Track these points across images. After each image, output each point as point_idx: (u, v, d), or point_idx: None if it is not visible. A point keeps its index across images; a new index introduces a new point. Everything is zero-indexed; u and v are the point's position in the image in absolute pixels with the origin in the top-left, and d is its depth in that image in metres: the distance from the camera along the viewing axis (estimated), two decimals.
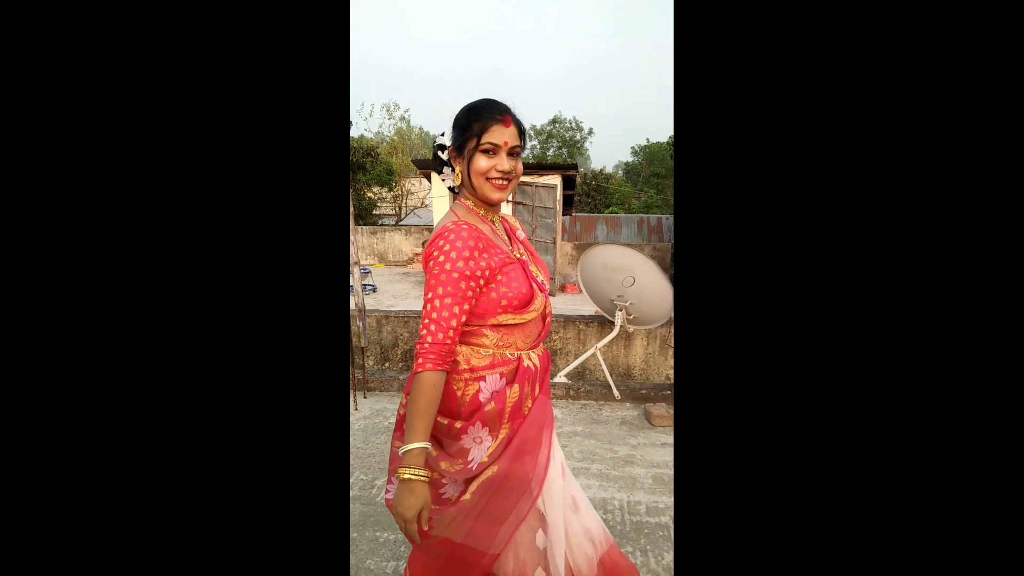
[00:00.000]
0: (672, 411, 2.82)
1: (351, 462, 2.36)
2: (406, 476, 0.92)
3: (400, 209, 17.65)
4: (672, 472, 2.31)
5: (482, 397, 1.03)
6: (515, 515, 1.04)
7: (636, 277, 2.99)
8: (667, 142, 14.51)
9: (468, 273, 0.95)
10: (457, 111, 1.03)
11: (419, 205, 17.81)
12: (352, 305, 2.99)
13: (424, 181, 13.17)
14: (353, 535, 1.81)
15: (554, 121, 30.92)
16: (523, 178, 7.64)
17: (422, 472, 0.93)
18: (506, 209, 8.36)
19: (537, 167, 9.28)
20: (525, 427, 1.06)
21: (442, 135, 1.06)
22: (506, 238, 1.12)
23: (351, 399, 2.99)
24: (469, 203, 1.07)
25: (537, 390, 1.10)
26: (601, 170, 24.27)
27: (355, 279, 2.99)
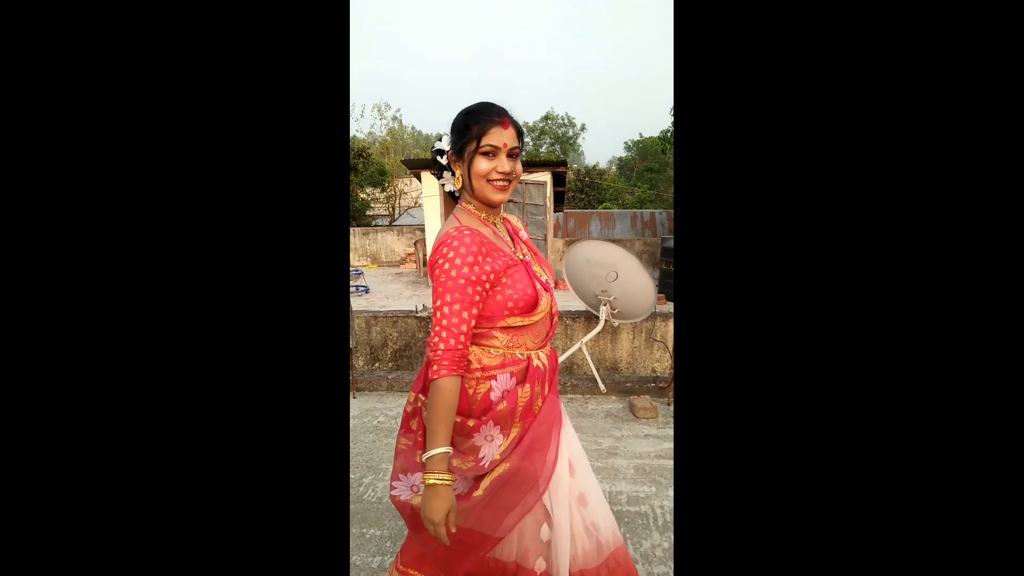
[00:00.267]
0: (655, 403, 2.86)
1: None
2: (431, 481, 0.94)
3: (394, 209, 17.63)
4: (653, 463, 2.35)
5: (493, 396, 1.05)
6: (522, 506, 1.07)
7: (619, 272, 3.03)
8: (659, 136, 14.52)
9: (474, 278, 0.96)
10: (455, 115, 1.04)
11: (412, 205, 17.80)
12: None
13: (415, 181, 13.18)
14: None
15: (546, 118, 30.90)
16: None
17: (446, 476, 0.95)
18: None
19: (526, 164, 9.29)
20: (536, 425, 1.08)
21: (440, 140, 1.08)
22: (508, 240, 1.13)
23: None
24: (470, 207, 1.08)
25: (547, 389, 1.12)
26: (595, 166, 24.22)
27: None
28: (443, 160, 1.08)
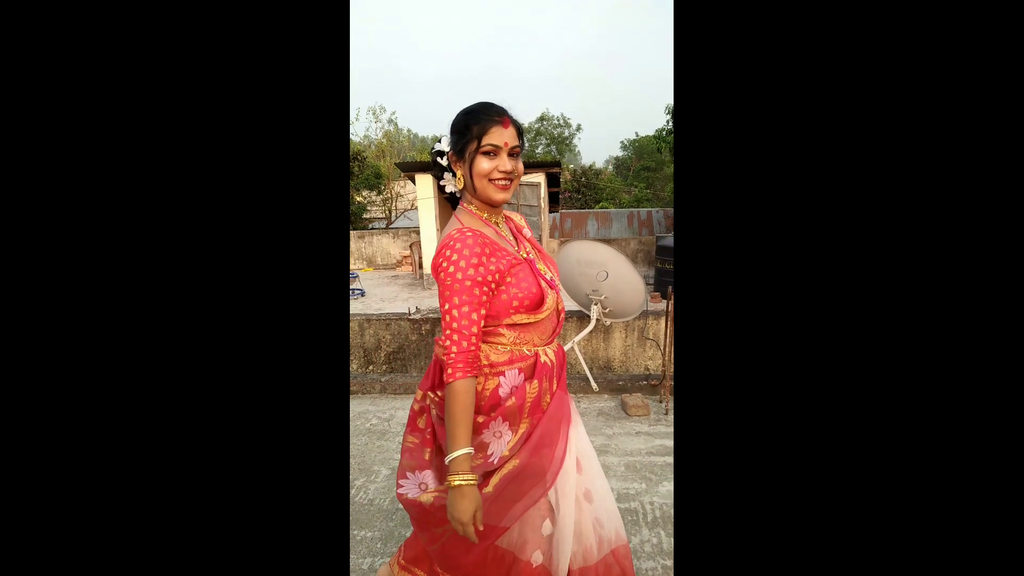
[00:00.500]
0: (647, 401, 2.87)
1: None
2: (457, 483, 0.95)
3: (390, 212, 17.65)
4: (644, 460, 2.36)
5: (502, 392, 1.06)
6: (528, 499, 1.07)
7: (608, 271, 3.04)
8: (654, 135, 14.56)
9: (480, 279, 0.97)
10: (454, 116, 1.05)
11: (409, 207, 17.81)
12: None
13: (411, 183, 13.21)
14: None
15: (542, 119, 30.95)
16: None
17: (471, 476, 0.97)
18: None
19: None
20: (545, 421, 1.09)
21: (439, 141, 1.08)
22: (511, 238, 1.13)
23: None
24: (472, 207, 1.08)
25: (555, 385, 1.12)
26: (591, 166, 24.29)
27: None
28: (443, 161, 1.08)
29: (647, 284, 3.25)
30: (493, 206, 1.08)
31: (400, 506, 2.04)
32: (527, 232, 1.21)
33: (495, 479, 1.07)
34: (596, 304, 3.08)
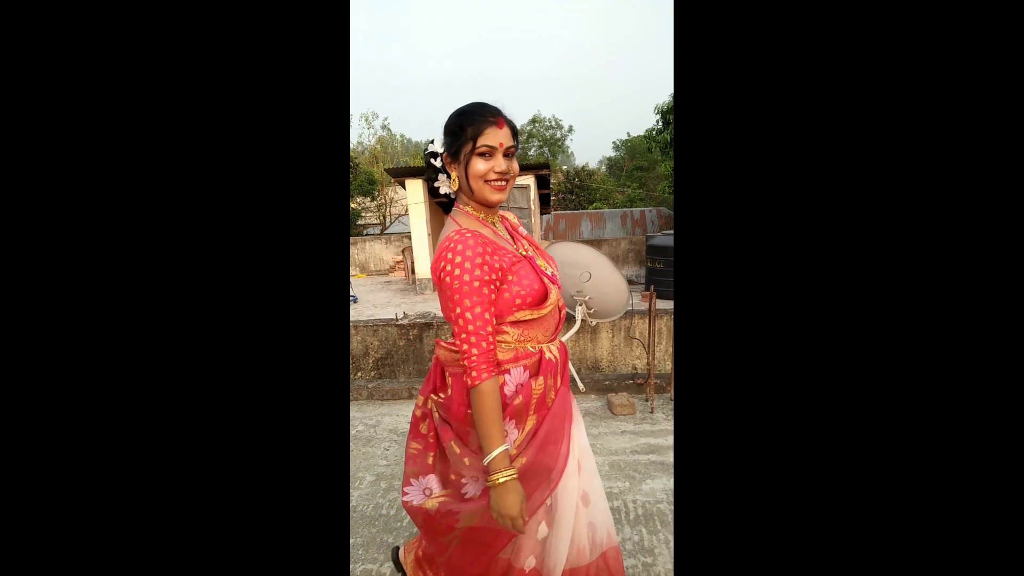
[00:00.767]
0: (632, 400, 2.88)
1: None
2: (501, 480, 0.96)
3: (384, 218, 17.64)
4: (628, 458, 2.37)
5: (508, 390, 1.05)
6: (534, 500, 1.06)
7: (591, 272, 3.05)
8: (644, 135, 14.61)
9: (486, 278, 0.96)
10: (447, 117, 1.04)
11: (404, 213, 17.81)
12: None
13: (401, 189, 13.22)
14: None
15: (534, 120, 31.04)
16: None
17: (511, 471, 0.97)
18: None
19: None
20: (550, 418, 1.08)
21: (432, 143, 1.07)
22: (509, 238, 1.13)
23: None
24: (468, 208, 1.08)
25: (559, 382, 1.12)
26: (584, 167, 24.33)
27: None
28: (437, 163, 1.07)
29: (639, 284, 3.26)
30: (489, 207, 1.07)
31: (383, 512, 2.05)
32: (523, 230, 1.21)
33: None
34: (581, 305, 3.09)
